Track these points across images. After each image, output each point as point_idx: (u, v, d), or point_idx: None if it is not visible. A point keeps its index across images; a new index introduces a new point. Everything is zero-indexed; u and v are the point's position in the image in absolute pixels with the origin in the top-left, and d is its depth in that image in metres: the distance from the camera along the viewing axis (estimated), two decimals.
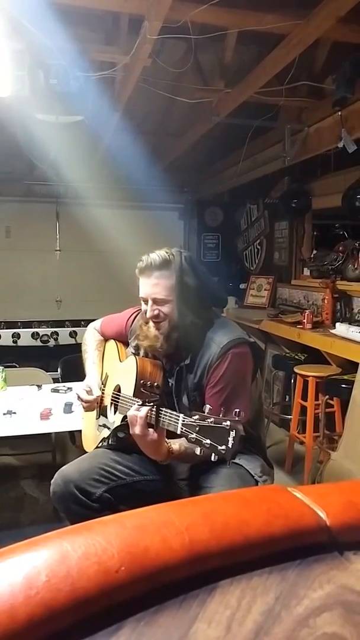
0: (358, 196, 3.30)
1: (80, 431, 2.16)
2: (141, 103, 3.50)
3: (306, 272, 4.30)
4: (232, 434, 1.25)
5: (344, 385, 2.81)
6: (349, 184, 3.44)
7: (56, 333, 4.81)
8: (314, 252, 4.26)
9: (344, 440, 2.58)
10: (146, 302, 1.67)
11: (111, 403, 1.83)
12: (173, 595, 0.39)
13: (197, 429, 1.29)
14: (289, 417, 3.50)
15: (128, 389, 1.68)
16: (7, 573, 0.37)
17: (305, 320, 3.48)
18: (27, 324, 4.88)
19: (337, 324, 3.22)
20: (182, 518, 0.43)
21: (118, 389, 1.80)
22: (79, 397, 1.86)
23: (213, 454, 1.26)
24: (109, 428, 1.82)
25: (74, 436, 2.93)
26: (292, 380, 3.47)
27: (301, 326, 3.51)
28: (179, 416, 1.37)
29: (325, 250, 3.99)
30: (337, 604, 0.41)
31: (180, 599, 0.39)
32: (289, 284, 4.57)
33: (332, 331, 3.21)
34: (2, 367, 2.86)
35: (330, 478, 2.55)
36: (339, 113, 2.99)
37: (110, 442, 1.78)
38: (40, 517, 2.73)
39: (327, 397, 3.03)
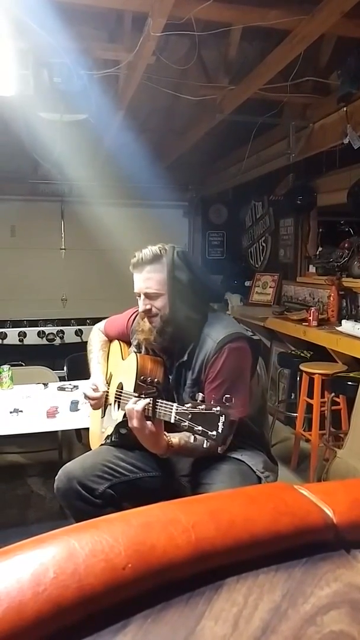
0: None
1: (86, 429, 2.17)
2: (145, 101, 3.49)
3: (311, 269, 4.28)
4: (222, 419, 1.29)
5: (350, 383, 2.80)
6: (355, 181, 3.42)
7: (62, 331, 4.83)
8: (320, 249, 4.24)
9: (350, 438, 2.58)
10: (139, 296, 1.70)
11: (115, 400, 1.85)
12: (179, 593, 0.40)
13: (190, 416, 1.33)
14: (295, 414, 3.50)
15: (129, 386, 1.70)
16: (15, 570, 0.37)
17: (310, 318, 3.47)
18: (33, 323, 4.90)
19: (343, 321, 3.21)
20: (189, 516, 0.43)
21: (121, 387, 1.82)
22: (86, 396, 1.87)
23: (205, 440, 1.30)
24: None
25: (80, 434, 2.94)
26: (298, 378, 3.46)
27: (307, 323, 3.50)
28: (172, 405, 1.40)
29: (330, 247, 3.97)
30: (344, 602, 0.41)
31: (186, 596, 0.39)
32: (294, 281, 4.56)
33: (338, 328, 3.20)
34: (9, 366, 2.87)
35: (336, 476, 2.54)
36: (344, 109, 2.97)
37: (113, 439, 1.80)
38: (46, 515, 2.74)
39: (333, 394, 3.02)
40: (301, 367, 3.26)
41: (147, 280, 1.65)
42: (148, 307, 1.67)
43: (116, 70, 2.83)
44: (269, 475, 1.69)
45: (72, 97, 2.68)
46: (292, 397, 4.00)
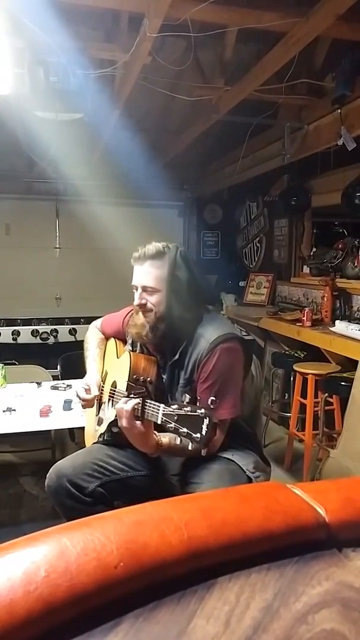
0: (357, 194, 3.30)
1: (80, 428, 2.17)
2: (141, 101, 3.49)
3: (306, 269, 4.30)
4: (206, 421, 1.30)
5: (343, 383, 2.81)
6: (349, 182, 3.43)
7: (56, 330, 4.81)
8: (314, 249, 4.26)
9: (343, 438, 2.58)
10: (136, 289, 1.70)
11: (109, 399, 1.85)
12: (171, 591, 0.40)
13: (176, 418, 1.34)
14: (288, 414, 3.51)
15: (122, 385, 1.71)
16: (6, 568, 0.37)
17: (304, 318, 3.48)
18: (26, 322, 4.88)
19: (337, 322, 3.22)
20: (181, 514, 0.43)
21: (115, 385, 1.82)
22: (77, 396, 1.88)
23: (190, 443, 1.31)
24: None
25: (74, 433, 2.93)
26: (292, 378, 3.47)
27: (300, 324, 3.51)
28: (159, 406, 1.41)
29: (324, 248, 3.99)
30: (335, 600, 0.41)
31: (178, 595, 0.39)
32: (288, 282, 4.57)
33: (332, 329, 3.21)
34: (2, 365, 2.86)
35: (329, 476, 2.55)
36: (339, 111, 2.98)
37: (105, 437, 1.80)
38: (39, 515, 2.73)
39: (326, 394, 3.03)
40: (295, 367, 3.27)
41: (146, 274, 1.66)
42: (143, 301, 1.67)
43: (112, 70, 2.83)
44: (259, 476, 1.69)
45: (68, 96, 2.67)
46: (286, 397, 4.01)
